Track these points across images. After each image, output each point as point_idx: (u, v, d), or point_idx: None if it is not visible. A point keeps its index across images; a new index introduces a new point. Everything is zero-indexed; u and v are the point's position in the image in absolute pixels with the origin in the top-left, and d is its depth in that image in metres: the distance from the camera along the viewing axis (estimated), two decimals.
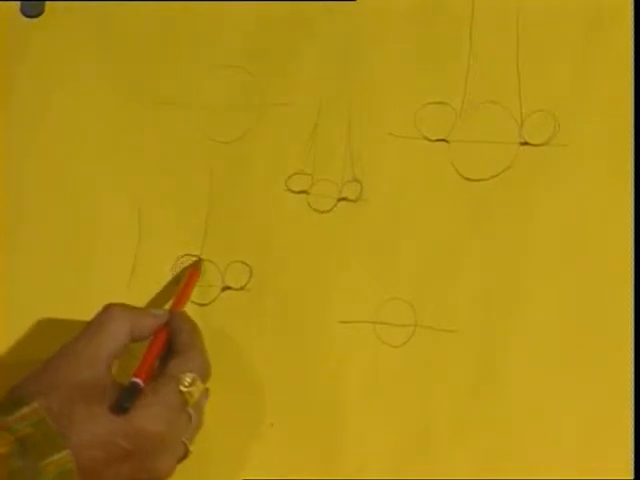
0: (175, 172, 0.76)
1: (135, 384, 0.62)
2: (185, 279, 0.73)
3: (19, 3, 0.81)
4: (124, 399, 0.61)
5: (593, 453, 0.65)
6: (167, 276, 0.75)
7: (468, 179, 0.70)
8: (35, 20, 0.81)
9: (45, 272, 0.77)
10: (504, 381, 0.67)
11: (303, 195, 0.73)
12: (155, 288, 0.75)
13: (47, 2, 0.80)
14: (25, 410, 0.60)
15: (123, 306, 0.67)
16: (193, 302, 0.74)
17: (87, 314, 0.75)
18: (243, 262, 0.74)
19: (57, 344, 0.75)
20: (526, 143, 0.69)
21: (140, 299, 0.75)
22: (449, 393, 0.68)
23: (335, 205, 0.73)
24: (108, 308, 0.66)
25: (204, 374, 0.65)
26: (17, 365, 0.75)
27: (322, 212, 0.73)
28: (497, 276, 0.68)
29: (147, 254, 0.76)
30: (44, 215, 0.78)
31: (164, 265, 0.75)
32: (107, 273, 0.76)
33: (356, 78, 0.74)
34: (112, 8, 0.79)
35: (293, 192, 0.74)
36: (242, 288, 0.74)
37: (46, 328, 0.76)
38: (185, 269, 0.74)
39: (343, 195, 0.73)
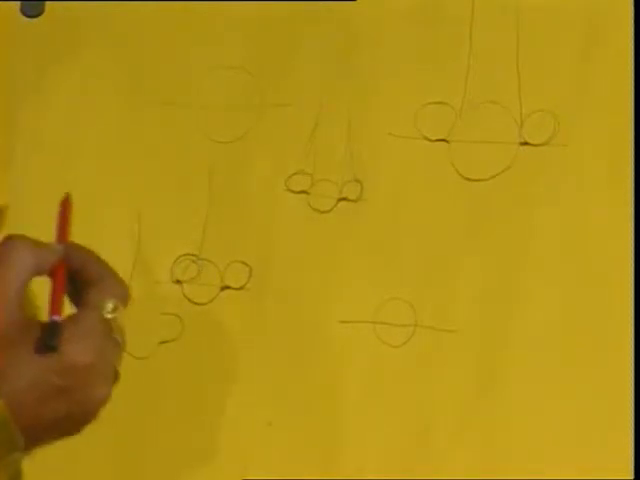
0: (175, 172, 0.76)
1: (55, 321, 0.59)
2: (60, 213, 0.67)
3: (19, 3, 0.81)
4: (49, 338, 0.58)
5: (593, 453, 0.65)
6: (167, 275, 0.75)
7: (468, 179, 0.70)
8: (35, 20, 0.81)
9: None
10: (504, 381, 0.67)
11: (303, 195, 0.73)
12: (155, 287, 0.75)
13: (47, 2, 0.81)
14: None
15: (24, 239, 0.62)
16: (191, 301, 0.74)
17: None
18: (243, 262, 0.74)
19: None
20: (526, 143, 0.69)
21: (140, 298, 0.75)
22: (449, 393, 0.68)
23: (335, 205, 0.73)
24: (10, 242, 0.61)
25: (124, 299, 0.62)
26: None
27: (322, 212, 0.73)
28: (497, 276, 0.68)
29: (147, 253, 0.76)
30: (44, 215, 0.78)
31: (164, 264, 0.75)
32: None
33: (356, 78, 0.74)
34: (112, 8, 0.79)
35: (293, 192, 0.74)
36: (242, 288, 0.74)
37: None
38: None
39: (343, 195, 0.73)
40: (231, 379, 0.72)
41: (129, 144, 0.77)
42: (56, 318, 0.59)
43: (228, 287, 0.74)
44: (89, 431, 0.73)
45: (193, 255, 0.75)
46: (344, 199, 0.73)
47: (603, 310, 0.66)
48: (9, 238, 0.61)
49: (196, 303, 0.75)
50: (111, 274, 0.63)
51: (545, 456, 0.66)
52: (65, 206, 0.67)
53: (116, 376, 0.62)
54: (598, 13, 0.70)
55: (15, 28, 0.80)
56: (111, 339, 0.61)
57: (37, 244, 0.62)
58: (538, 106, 0.69)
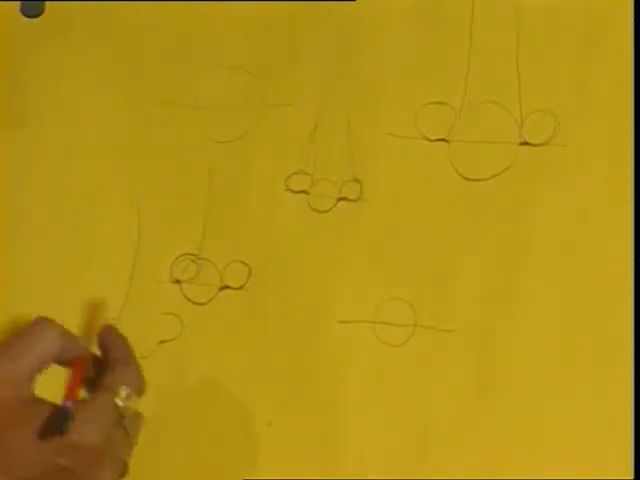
0: (175, 172, 0.76)
1: (66, 407, 0.59)
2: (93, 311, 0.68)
3: (19, 3, 0.81)
4: (57, 421, 0.58)
5: (593, 453, 0.65)
6: (167, 275, 0.75)
7: (468, 179, 0.70)
8: (35, 20, 0.81)
9: (44, 271, 0.78)
10: (504, 381, 0.67)
11: (303, 195, 0.73)
12: (155, 287, 0.75)
13: (47, 2, 0.81)
14: None
15: (56, 325, 0.62)
16: (191, 301, 0.74)
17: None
18: (242, 262, 0.74)
19: None
20: (526, 143, 0.69)
21: (140, 298, 0.75)
22: (449, 393, 0.68)
23: (335, 205, 0.73)
24: (41, 323, 0.62)
25: (139, 389, 0.63)
26: None
27: (322, 212, 0.73)
28: (497, 276, 0.68)
29: (147, 253, 0.76)
30: (44, 214, 0.79)
31: (163, 264, 0.75)
32: (107, 272, 0.76)
33: (356, 78, 0.74)
34: (112, 8, 0.79)
35: (293, 192, 0.74)
36: (241, 287, 0.74)
37: None
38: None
39: (343, 195, 0.73)
40: (230, 379, 0.72)
41: (129, 144, 0.78)
42: (67, 404, 0.59)
43: (227, 287, 0.74)
44: None
45: (192, 255, 0.75)
46: (344, 199, 0.73)
47: (603, 310, 0.66)
48: (42, 319, 0.62)
49: (195, 303, 0.75)
50: (130, 362, 0.63)
51: (545, 456, 0.66)
52: (79, 367, 0.66)
53: (124, 469, 0.61)
54: (598, 13, 0.70)
55: (15, 28, 0.80)
56: (121, 427, 0.60)
57: (66, 334, 0.62)
58: (538, 106, 0.69)
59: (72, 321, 0.75)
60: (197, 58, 0.77)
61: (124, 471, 0.61)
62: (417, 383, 0.69)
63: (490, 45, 0.71)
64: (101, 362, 0.63)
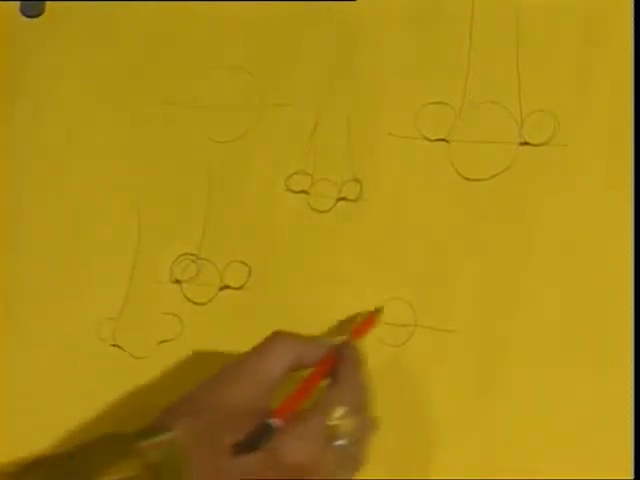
0: (175, 172, 0.76)
1: (268, 425, 0.58)
2: (366, 316, 0.70)
3: (19, 3, 0.81)
4: (255, 439, 0.58)
5: (593, 453, 0.65)
6: (166, 275, 0.75)
7: (468, 179, 0.70)
8: (35, 20, 0.81)
9: (45, 271, 0.78)
10: (504, 381, 0.67)
11: (303, 195, 0.73)
12: (155, 287, 0.75)
13: (47, 2, 0.81)
14: (160, 438, 0.58)
15: (291, 335, 0.64)
16: (191, 301, 0.74)
17: (87, 313, 0.76)
18: (242, 262, 0.74)
19: (57, 343, 0.75)
20: (526, 143, 0.69)
21: (139, 298, 0.75)
22: (449, 393, 0.68)
23: (335, 205, 0.73)
24: (276, 335, 0.64)
25: (358, 408, 0.62)
26: (18, 364, 0.76)
27: (322, 212, 0.73)
28: (497, 276, 0.68)
29: (147, 253, 0.76)
30: (44, 214, 0.79)
31: (163, 264, 0.76)
32: (107, 272, 0.76)
33: (356, 78, 0.74)
34: (112, 8, 0.79)
35: (293, 192, 0.74)
36: (241, 287, 0.74)
37: (46, 327, 0.76)
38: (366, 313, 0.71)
39: (343, 195, 0.73)
40: None
41: (129, 144, 0.78)
42: (271, 422, 0.58)
43: (227, 287, 0.74)
44: (90, 431, 0.73)
45: (192, 255, 0.75)
46: (344, 199, 0.73)
47: (603, 310, 0.66)
48: (277, 332, 0.64)
49: (195, 303, 0.75)
50: (355, 380, 0.63)
51: (545, 456, 0.66)
52: (373, 316, 0.69)
53: None
54: (598, 13, 0.69)
55: (15, 28, 0.80)
56: (330, 446, 0.60)
57: (301, 340, 0.64)
58: (538, 106, 0.69)
59: (72, 321, 0.76)
60: (197, 58, 0.77)
61: None
62: (417, 383, 0.69)
63: (490, 45, 0.71)
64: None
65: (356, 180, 0.72)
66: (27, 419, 0.75)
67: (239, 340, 0.72)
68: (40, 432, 0.74)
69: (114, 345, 0.75)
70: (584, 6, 0.70)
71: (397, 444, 0.68)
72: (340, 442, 0.60)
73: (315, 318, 0.71)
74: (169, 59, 0.78)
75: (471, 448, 0.67)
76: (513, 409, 0.67)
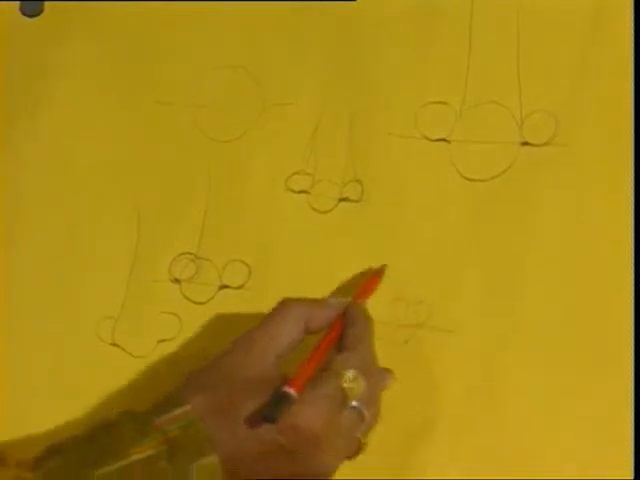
0: (175, 171, 0.76)
1: (286, 394, 0.58)
2: (370, 275, 0.70)
3: (18, 3, 0.81)
4: (271, 409, 0.57)
5: (593, 453, 0.65)
6: (165, 274, 0.75)
7: (469, 179, 0.70)
8: (34, 20, 0.81)
9: (44, 271, 0.78)
10: (505, 381, 0.67)
11: (303, 195, 0.73)
12: (153, 286, 0.75)
13: (46, 2, 0.80)
14: (177, 411, 0.59)
15: (299, 300, 0.65)
16: (190, 300, 0.74)
17: (86, 312, 0.76)
18: (242, 261, 0.74)
19: (56, 342, 0.75)
20: (526, 143, 0.69)
21: (139, 297, 0.75)
22: (449, 393, 0.68)
23: (336, 205, 0.73)
24: (284, 303, 0.65)
25: (368, 370, 0.63)
26: (17, 364, 0.76)
27: (322, 212, 0.73)
28: (498, 276, 0.68)
29: (145, 252, 0.76)
30: (43, 215, 0.79)
31: (163, 263, 0.75)
32: (106, 271, 0.76)
33: (357, 78, 0.74)
34: (112, 8, 0.79)
35: (293, 192, 0.74)
36: (240, 287, 0.74)
37: (45, 326, 0.76)
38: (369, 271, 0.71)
39: (344, 195, 0.73)
40: None
41: (129, 143, 0.77)
42: (289, 391, 0.58)
43: (227, 286, 0.74)
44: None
45: (191, 254, 0.75)
46: (345, 199, 0.73)
47: (604, 310, 0.66)
48: (287, 299, 0.64)
49: (194, 302, 0.75)
50: (364, 343, 0.64)
51: (545, 456, 0.66)
52: (378, 273, 0.69)
53: (359, 447, 0.62)
54: (598, 13, 0.69)
55: (14, 28, 0.80)
56: (346, 408, 0.60)
57: (310, 304, 0.65)
58: (538, 106, 0.69)
59: (71, 320, 0.76)
60: (197, 58, 0.77)
61: (359, 450, 0.62)
62: (418, 383, 0.69)
63: (490, 45, 0.71)
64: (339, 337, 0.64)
65: (357, 180, 0.72)
66: (26, 418, 0.75)
67: None
68: (39, 431, 0.74)
69: (113, 344, 0.75)
70: (584, 6, 0.70)
71: (398, 444, 0.68)
72: (354, 403, 0.61)
73: None
74: (169, 59, 0.78)
75: (472, 448, 0.67)
76: (513, 409, 0.67)
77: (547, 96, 0.69)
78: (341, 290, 0.71)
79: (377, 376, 0.64)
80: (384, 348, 0.69)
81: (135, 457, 0.57)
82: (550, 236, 0.68)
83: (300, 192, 0.73)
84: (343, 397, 0.60)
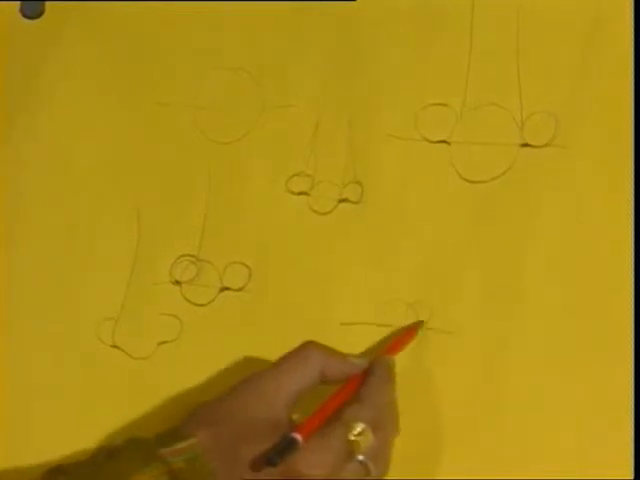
0: (175, 173, 0.76)
1: (292, 439, 0.58)
2: (404, 332, 0.69)
3: (19, 3, 0.81)
4: (276, 453, 0.57)
5: (593, 453, 0.65)
6: (166, 276, 0.75)
7: (469, 181, 0.70)
8: (35, 21, 0.80)
9: (44, 271, 0.78)
10: (505, 382, 0.67)
11: (303, 196, 0.73)
12: (154, 288, 0.75)
13: (47, 3, 0.80)
14: (182, 445, 0.59)
15: (320, 347, 0.64)
16: (190, 302, 0.74)
17: (86, 314, 0.76)
18: (242, 263, 0.74)
19: (56, 344, 0.75)
20: (527, 144, 0.69)
21: (139, 298, 0.75)
22: (450, 395, 0.68)
23: (336, 207, 0.73)
24: (305, 346, 0.64)
25: (380, 424, 0.62)
26: (17, 365, 0.76)
27: (322, 214, 0.73)
28: (498, 278, 0.68)
29: (146, 254, 0.76)
30: (43, 215, 0.79)
31: (163, 265, 0.75)
32: (106, 273, 0.76)
33: (356, 79, 0.73)
34: (112, 8, 0.79)
35: (293, 193, 0.73)
36: (241, 289, 0.74)
37: (45, 327, 0.76)
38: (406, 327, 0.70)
39: (344, 197, 0.72)
40: (230, 381, 0.71)
41: (128, 144, 0.77)
42: (295, 436, 0.58)
43: (227, 288, 0.74)
44: (89, 432, 0.73)
45: (192, 256, 0.75)
46: (344, 200, 0.72)
47: (604, 311, 0.66)
48: (309, 342, 0.64)
49: (195, 304, 0.75)
50: (379, 396, 0.63)
51: (545, 456, 0.66)
52: (412, 330, 0.68)
53: None
54: (598, 13, 0.69)
55: (14, 29, 0.80)
56: (351, 461, 0.60)
57: (331, 354, 0.64)
58: (539, 107, 0.69)
59: (71, 322, 0.76)
60: (197, 59, 0.77)
61: None
62: (418, 385, 0.69)
63: (490, 46, 0.71)
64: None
65: (357, 182, 0.72)
66: (26, 420, 0.75)
67: (239, 342, 0.72)
68: (39, 433, 0.74)
69: (113, 346, 0.75)
70: (584, 6, 0.70)
71: (398, 445, 0.68)
72: (360, 458, 0.60)
73: (316, 320, 0.71)
74: (169, 60, 0.77)
75: (472, 449, 0.67)
76: (513, 410, 0.67)
77: (547, 97, 0.69)
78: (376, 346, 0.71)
79: (390, 431, 0.63)
80: None
81: None
82: (550, 237, 0.68)
83: (300, 194, 0.73)
84: (349, 449, 0.60)
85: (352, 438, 0.60)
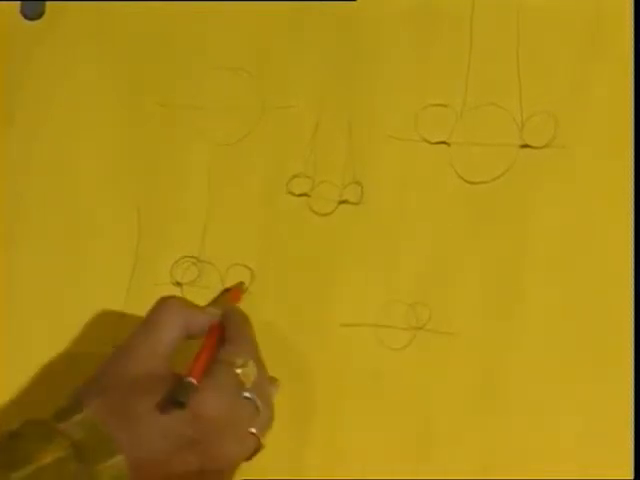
0: (175, 174, 0.76)
1: (188, 383, 0.60)
2: (232, 288, 0.73)
3: (19, 4, 0.81)
4: (180, 394, 0.59)
5: (593, 453, 0.65)
6: (167, 277, 0.75)
7: (469, 181, 0.70)
8: (35, 21, 0.80)
9: (44, 271, 0.78)
10: (504, 383, 0.67)
11: (304, 198, 0.73)
12: (155, 289, 0.75)
13: (47, 3, 0.80)
14: (78, 417, 0.60)
15: (178, 300, 0.67)
16: None
17: (86, 314, 0.75)
18: (243, 264, 0.74)
19: (57, 344, 0.75)
20: (526, 145, 0.69)
21: (140, 300, 0.75)
22: (450, 396, 0.68)
23: (336, 208, 0.73)
24: (163, 301, 0.66)
25: (256, 358, 0.65)
26: (17, 365, 0.76)
27: (323, 215, 0.73)
28: (498, 279, 0.68)
29: (146, 255, 0.76)
30: (44, 215, 0.79)
31: (163, 266, 0.75)
32: (106, 274, 0.76)
33: (356, 80, 0.73)
34: (112, 8, 0.79)
35: (294, 195, 0.73)
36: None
37: (46, 328, 0.76)
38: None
39: (344, 198, 0.72)
40: None
41: (129, 145, 0.77)
42: (192, 380, 0.60)
43: (229, 290, 0.74)
44: None
45: (193, 257, 0.75)
46: (345, 202, 0.72)
47: (604, 312, 0.66)
48: (164, 299, 0.66)
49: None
50: (246, 336, 0.66)
51: (545, 456, 0.66)
52: (236, 292, 0.71)
53: (258, 446, 0.63)
54: (598, 13, 0.69)
55: (15, 29, 0.80)
56: (243, 396, 0.62)
57: (190, 307, 0.66)
58: (539, 108, 0.69)
59: (72, 322, 0.76)
60: (197, 59, 0.77)
61: (257, 449, 0.63)
62: (418, 386, 0.69)
63: (490, 46, 0.71)
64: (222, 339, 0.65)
65: (357, 183, 0.72)
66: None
67: None
68: None
69: (115, 347, 0.75)
70: (584, 7, 0.70)
71: (398, 447, 0.68)
72: (247, 394, 0.62)
73: (316, 320, 0.71)
74: (169, 60, 0.77)
75: (472, 449, 0.67)
76: (514, 410, 0.67)
77: (547, 98, 0.69)
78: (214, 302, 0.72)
79: (265, 372, 0.66)
80: (385, 351, 0.70)
81: (46, 460, 0.57)
82: (550, 238, 0.68)
83: (300, 195, 0.73)
84: (238, 383, 0.62)
85: (238, 372, 0.62)
